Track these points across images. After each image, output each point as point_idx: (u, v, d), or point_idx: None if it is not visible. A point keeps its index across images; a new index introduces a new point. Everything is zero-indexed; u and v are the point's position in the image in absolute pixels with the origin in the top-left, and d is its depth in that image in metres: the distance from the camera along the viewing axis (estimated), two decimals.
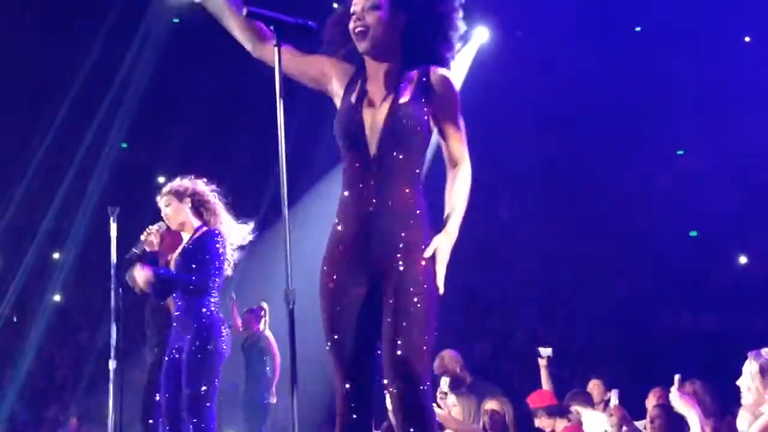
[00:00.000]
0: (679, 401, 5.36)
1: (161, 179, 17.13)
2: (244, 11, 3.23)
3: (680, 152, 16.41)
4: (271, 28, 3.22)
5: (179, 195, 5.76)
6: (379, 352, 3.23)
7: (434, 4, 3.37)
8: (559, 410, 7.69)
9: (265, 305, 9.65)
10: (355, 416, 3.19)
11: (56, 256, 15.14)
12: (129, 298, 6.83)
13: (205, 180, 5.91)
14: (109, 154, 15.99)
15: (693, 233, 15.52)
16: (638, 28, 16.28)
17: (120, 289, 6.07)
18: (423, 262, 3.21)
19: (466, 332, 14.25)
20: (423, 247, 3.24)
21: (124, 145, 16.90)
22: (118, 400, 5.92)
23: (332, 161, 10.73)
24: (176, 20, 16.93)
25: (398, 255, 3.21)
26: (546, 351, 8.93)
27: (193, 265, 5.58)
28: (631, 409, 7.70)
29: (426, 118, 3.32)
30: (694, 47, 14.43)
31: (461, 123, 3.40)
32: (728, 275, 15.00)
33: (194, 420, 5.37)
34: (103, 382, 12.31)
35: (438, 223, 3.37)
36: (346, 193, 3.33)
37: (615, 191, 16.55)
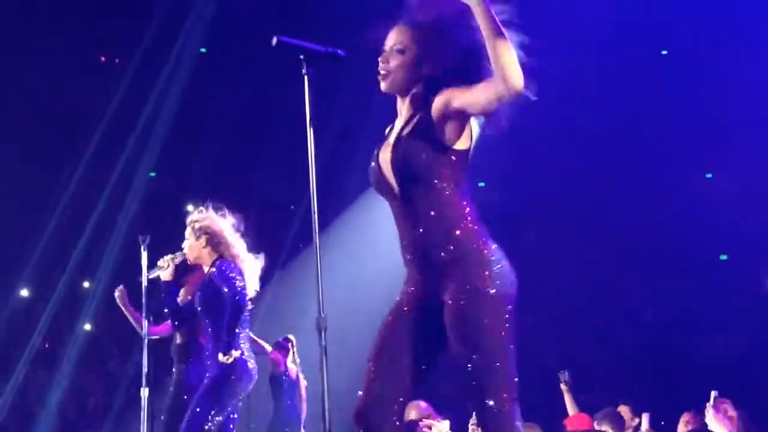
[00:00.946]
0: (714, 419, 5.32)
1: (189, 207, 17.24)
2: (274, 41, 3.25)
3: (708, 176, 16.30)
4: (301, 57, 3.24)
5: (196, 233, 5.84)
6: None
7: (463, 57, 3.30)
8: None
9: (292, 338, 9.60)
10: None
11: (87, 285, 15.23)
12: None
13: (225, 212, 5.93)
14: (138, 183, 16.13)
15: (723, 257, 15.39)
16: (665, 51, 16.23)
17: (151, 317, 6.12)
18: (477, 286, 3.16)
19: None
20: (477, 271, 3.18)
21: (153, 174, 17.02)
22: (149, 427, 5.94)
23: (362, 187, 10.75)
24: (203, 50, 17.09)
25: (449, 285, 3.17)
26: (563, 376, 8.97)
27: (214, 300, 5.60)
28: None
29: (428, 142, 3.22)
30: (721, 70, 14.37)
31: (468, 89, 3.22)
32: (760, 298, 14.85)
33: None
34: (133, 410, 12.37)
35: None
36: (399, 238, 3.33)
37: (642, 215, 16.45)
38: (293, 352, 9.50)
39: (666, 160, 15.88)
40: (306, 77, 3.19)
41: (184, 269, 6.28)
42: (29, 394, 13.38)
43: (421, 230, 3.20)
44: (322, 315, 3.07)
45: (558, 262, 16.34)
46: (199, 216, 5.90)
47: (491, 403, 3.04)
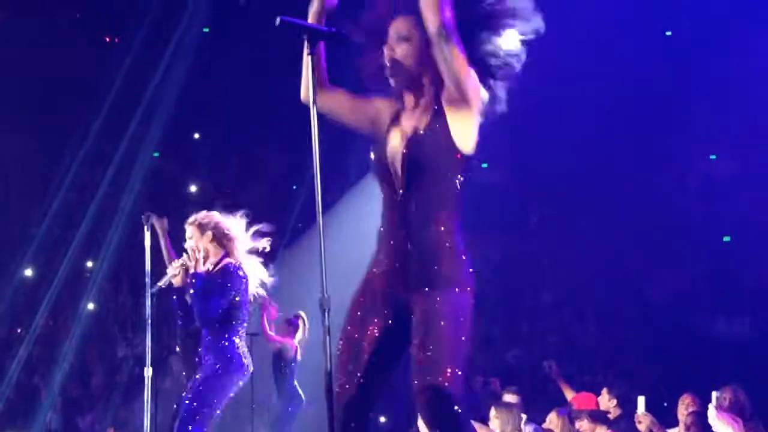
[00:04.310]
0: (716, 420, 5.32)
1: (193, 188, 17.28)
2: (277, 20, 3.23)
3: (712, 156, 16.28)
4: (304, 37, 3.22)
5: (201, 228, 5.83)
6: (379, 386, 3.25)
7: (473, 37, 3.29)
8: (601, 416, 7.67)
9: (303, 314, 9.60)
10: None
11: (90, 264, 15.27)
12: (162, 307, 6.90)
13: (225, 212, 5.94)
14: (141, 163, 16.14)
15: (726, 238, 15.38)
16: (669, 32, 16.18)
17: (154, 298, 6.12)
18: (452, 295, 3.19)
19: (498, 339, 14.23)
20: (454, 281, 3.21)
21: (156, 154, 17.04)
22: (153, 407, 5.97)
23: (364, 170, 10.75)
24: (207, 29, 17.06)
25: (426, 289, 3.20)
26: (550, 365, 9.24)
27: (215, 292, 5.61)
28: (662, 416, 7.65)
29: (444, 144, 3.26)
30: (726, 51, 14.32)
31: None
32: (762, 280, 14.86)
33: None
34: (136, 390, 12.42)
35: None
36: (380, 226, 3.34)
37: (646, 196, 16.43)
38: (304, 329, 9.49)
39: (670, 142, 15.85)
40: (309, 57, 3.18)
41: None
42: (33, 373, 13.44)
43: (411, 224, 3.23)
44: (326, 295, 3.08)
45: (559, 243, 16.36)
46: (202, 214, 5.91)
47: (438, 382, 3.09)
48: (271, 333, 9.39)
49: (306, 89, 3.26)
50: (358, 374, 3.23)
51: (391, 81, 3.33)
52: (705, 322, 14.79)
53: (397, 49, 3.30)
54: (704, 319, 14.81)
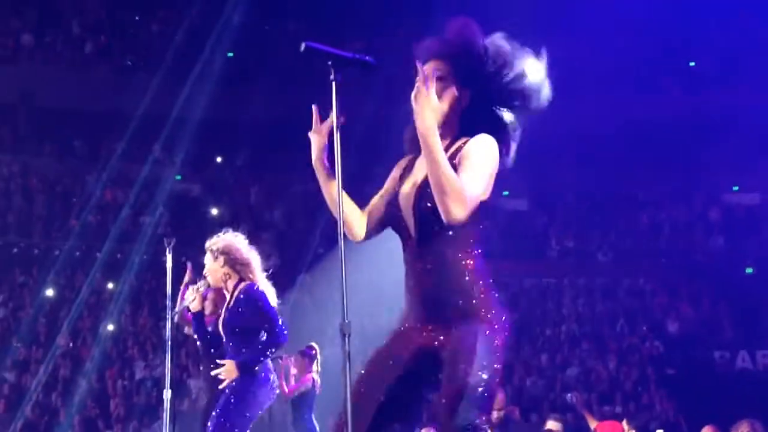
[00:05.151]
0: None
1: (214, 211, 17.34)
2: (302, 47, 3.23)
3: (735, 188, 16.22)
4: (330, 63, 3.22)
5: (214, 254, 5.84)
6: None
7: (503, 78, 3.26)
8: None
9: (315, 346, 9.56)
10: None
11: (111, 286, 15.34)
12: (181, 330, 6.91)
13: (244, 236, 5.95)
14: (164, 186, 16.24)
15: (749, 270, 15.28)
16: (693, 63, 16.17)
17: (174, 321, 6.14)
18: (479, 338, 3.14)
19: (519, 368, 14.15)
20: (478, 320, 3.17)
21: (179, 178, 17.13)
22: (171, 429, 5.96)
23: None
24: (230, 54, 17.19)
25: (451, 332, 3.16)
26: (572, 397, 9.20)
27: (262, 325, 5.59)
28: None
29: None
30: (749, 82, 14.30)
31: (470, 173, 3.10)
32: None
33: None
34: (153, 411, 12.42)
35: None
36: (405, 274, 3.31)
37: (668, 228, 16.37)
38: (317, 361, 9.45)
39: (692, 173, 15.81)
40: (333, 83, 3.18)
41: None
42: (52, 393, 13.46)
43: (430, 273, 3.22)
44: (346, 321, 3.06)
45: (580, 274, 16.30)
46: (215, 239, 5.94)
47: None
48: (287, 384, 9.29)
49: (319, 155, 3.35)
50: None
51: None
52: (726, 356, 14.65)
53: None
54: (725, 352, 14.68)
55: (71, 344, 14.41)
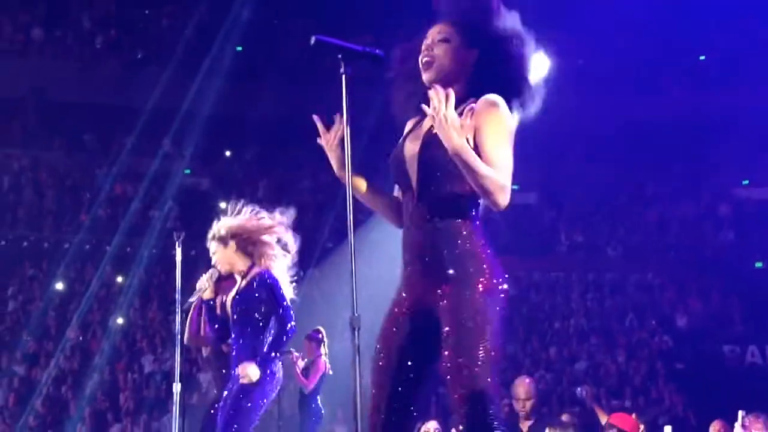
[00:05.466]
0: None
1: (223, 205, 17.32)
2: (312, 40, 3.24)
3: (745, 182, 16.17)
4: (340, 56, 3.22)
5: (223, 240, 5.72)
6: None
7: (508, 44, 3.34)
8: None
9: (321, 329, 9.58)
10: None
11: (120, 279, 15.37)
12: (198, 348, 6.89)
13: (256, 209, 5.83)
14: (173, 180, 16.27)
15: (759, 264, 15.24)
16: (702, 57, 16.13)
17: (183, 314, 6.12)
18: (476, 294, 3.15)
19: (527, 362, 14.15)
20: (475, 280, 3.17)
21: (188, 172, 17.17)
22: (180, 423, 5.96)
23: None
24: (239, 48, 17.21)
25: (448, 289, 3.17)
26: (581, 392, 9.19)
27: (268, 311, 5.53)
28: None
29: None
30: (759, 76, 14.25)
31: (495, 151, 3.14)
32: None
33: None
34: (163, 405, 12.46)
35: None
36: (403, 231, 3.33)
37: (677, 222, 16.34)
38: (324, 344, 9.47)
39: (702, 167, 15.77)
40: (343, 77, 3.18)
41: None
42: (63, 386, 13.50)
43: (428, 228, 3.22)
44: (356, 314, 3.07)
45: (589, 268, 16.28)
46: (217, 224, 5.81)
47: (477, 406, 3.05)
48: (306, 377, 9.31)
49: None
50: (389, 397, 3.22)
51: (424, 76, 3.31)
52: (736, 350, 14.63)
53: (436, 48, 3.30)
54: (735, 346, 14.65)
55: (81, 338, 14.45)
